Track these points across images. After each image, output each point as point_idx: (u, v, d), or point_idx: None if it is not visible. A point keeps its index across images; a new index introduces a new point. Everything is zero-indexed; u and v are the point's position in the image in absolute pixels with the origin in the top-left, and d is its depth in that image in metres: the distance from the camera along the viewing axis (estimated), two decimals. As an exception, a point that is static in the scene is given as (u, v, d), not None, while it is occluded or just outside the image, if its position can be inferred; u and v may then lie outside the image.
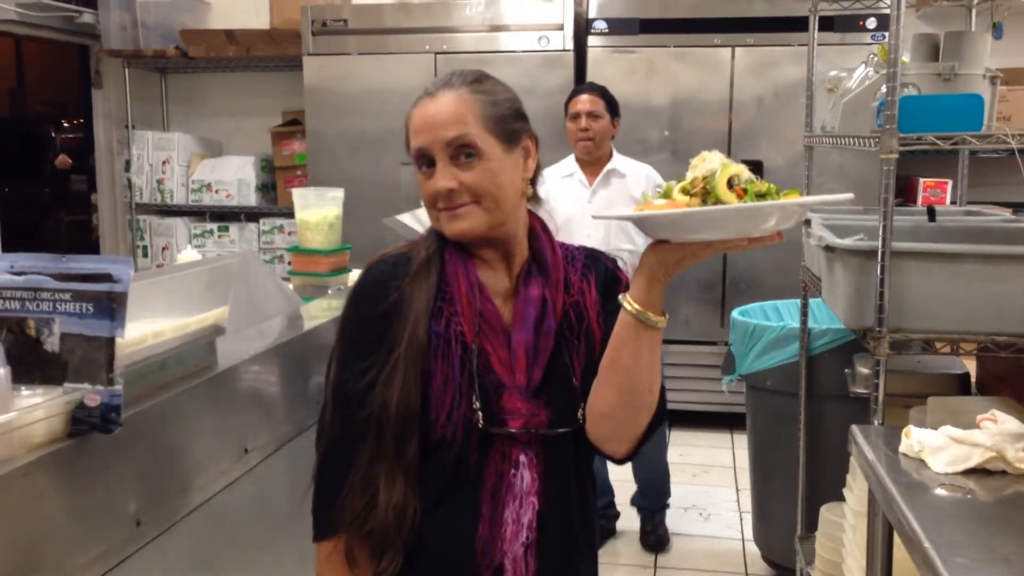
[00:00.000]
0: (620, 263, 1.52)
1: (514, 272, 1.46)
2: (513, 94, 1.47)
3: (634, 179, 3.72)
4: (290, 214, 5.42)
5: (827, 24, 4.42)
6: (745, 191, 1.21)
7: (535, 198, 1.51)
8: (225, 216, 6.02)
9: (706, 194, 1.22)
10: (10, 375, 1.44)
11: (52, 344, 1.55)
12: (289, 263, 4.33)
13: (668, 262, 1.25)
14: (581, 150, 3.70)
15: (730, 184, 1.21)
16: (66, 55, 6.49)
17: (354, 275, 3.44)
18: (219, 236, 5.93)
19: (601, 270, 1.49)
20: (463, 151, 1.37)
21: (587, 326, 1.44)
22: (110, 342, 1.55)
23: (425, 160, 1.40)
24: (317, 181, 5.17)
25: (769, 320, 3.52)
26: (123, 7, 5.72)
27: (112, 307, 1.55)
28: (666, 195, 1.27)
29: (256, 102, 6.12)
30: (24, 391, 1.48)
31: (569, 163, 3.77)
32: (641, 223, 1.26)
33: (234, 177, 5.91)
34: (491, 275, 1.46)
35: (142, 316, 1.81)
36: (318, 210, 3.33)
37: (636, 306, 1.27)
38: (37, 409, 1.43)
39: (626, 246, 3.64)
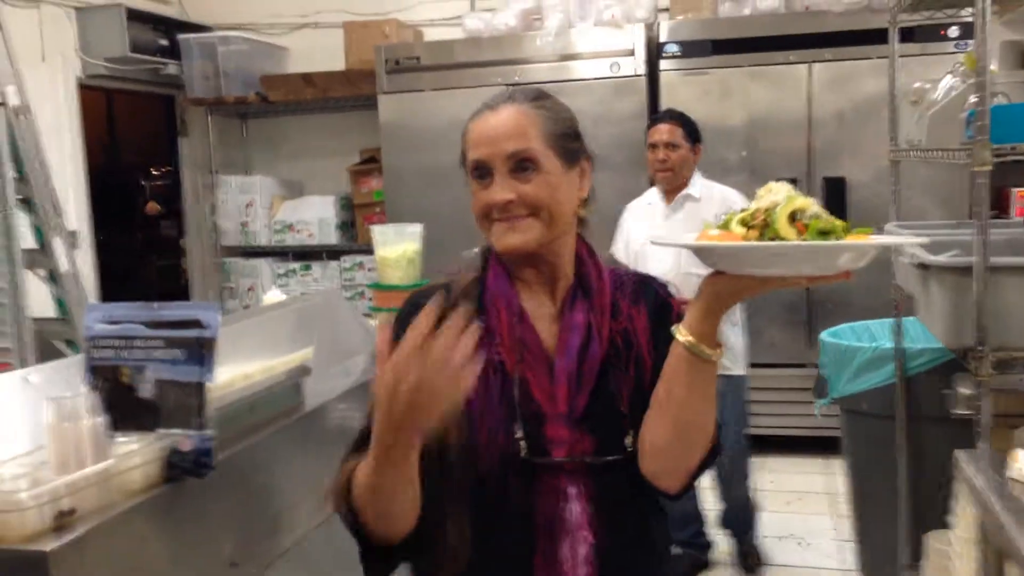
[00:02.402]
0: (671, 288, 1.48)
1: (558, 297, 1.43)
2: (572, 114, 1.45)
3: (708, 202, 3.67)
4: (370, 251, 5.47)
5: (907, 35, 4.30)
6: (807, 227, 1.16)
7: (584, 223, 1.48)
8: (307, 255, 6.13)
9: (766, 227, 1.17)
10: (106, 423, 1.47)
11: (146, 391, 1.59)
12: (370, 299, 4.38)
13: (723, 293, 1.22)
14: (661, 180, 3.70)
15: (793, 218, 1.16)
16: (153, 106, 6.72)
17: (436, 310, 3.45)
18: (302, 275, 6.03)
19: (652, 296, 1.45)
20: (523, 164, 1.35)
21: (636, 353, 1.39)
22: (201, 387, 1.58)
23: (480, 173, 1.37)
24: (395, 217, 5.23)
25: (861, 341, 3.42)
26: (205, 56, 5.90)
27: (202, 353, 1.58)
28: (725, 225, 1.22)
29: (334, 142, 6.24)
30: (120, 438, 1.51)
31: (653, 193, 3.78)
32: (697, 252, 1.22)
33: (315, 216, 6.02)
34: (534, 300, 1.43)
35: (231, 359, 1.84)
36: (397, 246, 3.36)
37: (690, 337, 1.23)
38: (134, 456, 1.46)
39: (696, 270, 3.57)
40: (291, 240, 6.07)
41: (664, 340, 1.32)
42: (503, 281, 1.42)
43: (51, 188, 4.13)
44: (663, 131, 3.62)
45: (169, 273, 7.20)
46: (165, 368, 1.58)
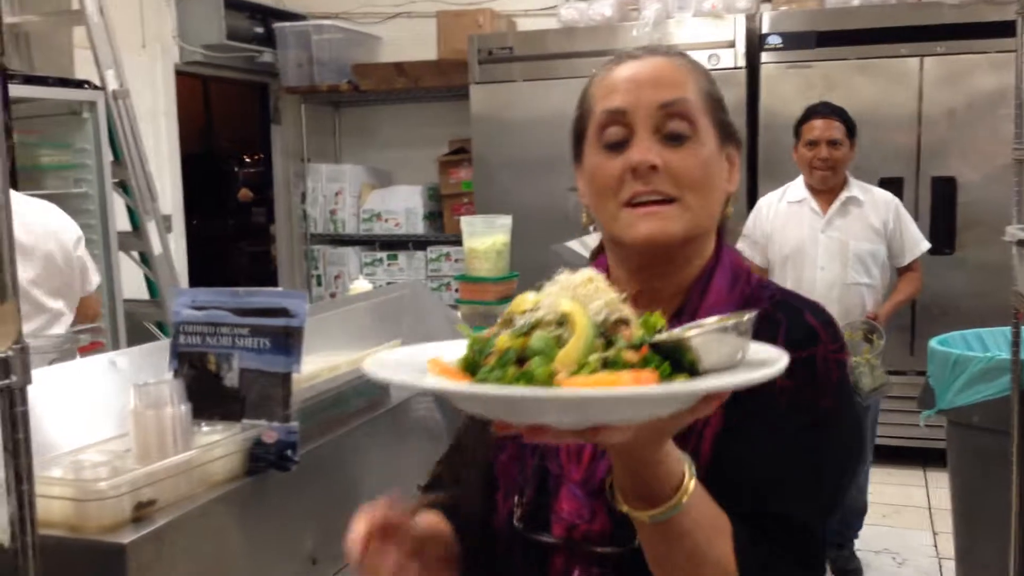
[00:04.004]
0: (825, 330, 1.04)
1: (667, 312, 1.09)
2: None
3: (873, 207, 3.45)
4: (457, 242, 5.46)
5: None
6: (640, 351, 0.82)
7: (725, 225, 1.16)
8: (394, 245, 6.13)
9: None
10: (191, 411, 1.43)
11: (231, 379, 1.55)
12: (456, 291, 4.33)
13: (618, 446, 0.84)
14: (818, 180, 3.43)
15: (606, 339, 0.82)
16: (247, 93, 6.80)
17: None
18: (388, 264, 6.03)
19: (776, 338, 0.97)
20: (675, 125, 1.04)
21: (700, 424, 0.98)
22: (287, 378, 1.53)
23: (614, 133, 1.05)
24: (484, 208, 5.17)
25: (972, 350, 3.23)
26: (300, 45, 5.93)
27: (289, 342, 1.53)
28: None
29: (424, 132, 6.22)
30: (204, 427, 1.47)
31: (798, 188, 3.52)
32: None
33: (403, 206, 6.01)
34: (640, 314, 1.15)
35: (317, 349, 1.79)
36: (486, 237, 3.30)
37: (622, 503, 0.89)
38: (217, 447, 1.41)
39: (864, 279, 3.42)
40: (379, 229, 6.07)
41: (750, 413, 0.95)
42: None
43: (147, 172, 4.19)
44: (823, 127, 3.38)
45: (258, 259, 7.29)
46: (251, 357, 1.53)
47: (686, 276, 1.09)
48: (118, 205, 4.18)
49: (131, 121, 4.13)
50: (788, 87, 4.78)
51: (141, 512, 1.25)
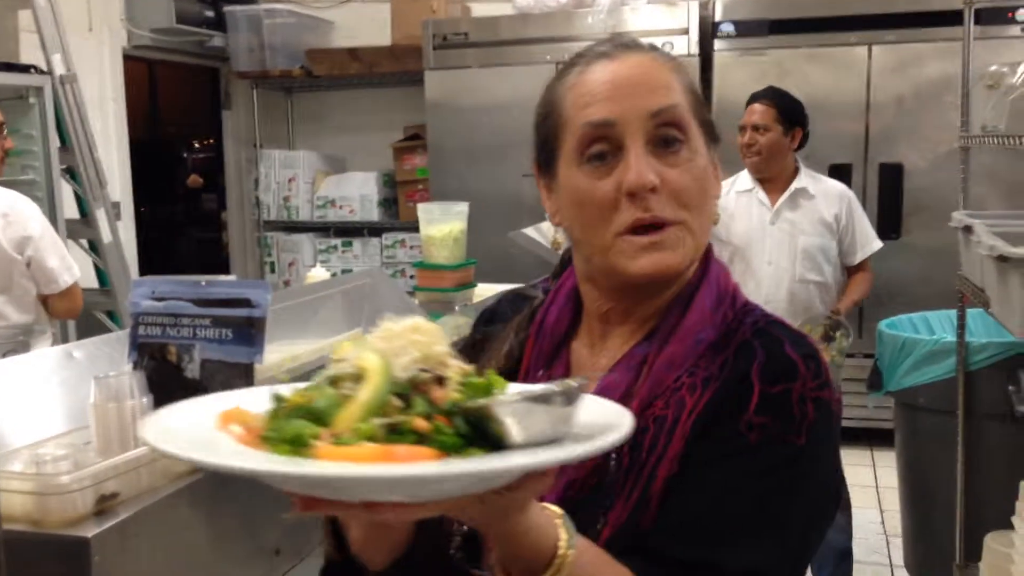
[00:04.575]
0: (805, 365, 0.92)
1: (637, 335, 0.99)
2: None
3: (824, 200, 3.26)
4: (412, 228, 5.44)
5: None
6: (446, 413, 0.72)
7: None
8: (349, 231, 6.09)
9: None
10: (152, 403, 1.42)
11: (192, 370, 1.54)
12: (412, 277, 4.33)
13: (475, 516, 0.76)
14: (749, 167, 3.28)
15: (404, 398, 0.72)
16: (196, 78, 6.69)
17: (480, 290, 3.39)
18: (343, 251, 5.99)
19: (750, 369, 0.91)
20: (669, 134, 0.93)
21: (655, 460, 0.90)
22: (249, 368, 1.52)
23: (600, 147, 0.93)
24: (439, 195, 5.17)
25: (919, 333, 3.31)
26: (251, 29, 5.85)
27: (251, 332, 1.52)
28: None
29: (378, 118, 6.18)
30: (166, 419, 1.46)
31: (746, 177, 3.33)
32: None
33: (357, 193, 5.97)
34: (604, 345, 1.01)
35: (278, 339, 1.78)
36: (443, 225, 3.30)
37: (499, 573, 0.81)
38: (179, 438, 1.40)
39: (813, 276, 3.25)
40: (333, 216, 6.03)
41: (707, 461, 0.89)
42: (565, 314, 1.04)
43: (96, 159, 4.12)
44: (753, 111, 3.24)
45: (209, 246, 7.19)
46: (213, 347, 1.52)
47: (666, 295, 0.98)
48: (66, 192, 4.11)
49: (79, 106, 4.05)
50: (741, 75, 4.83)
51: (104, 505, 1.24)
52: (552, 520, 0.79)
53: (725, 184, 3.33)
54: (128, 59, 5.51)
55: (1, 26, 4.37)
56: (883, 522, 4.06)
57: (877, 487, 4.43)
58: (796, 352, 0.93)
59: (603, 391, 0.93)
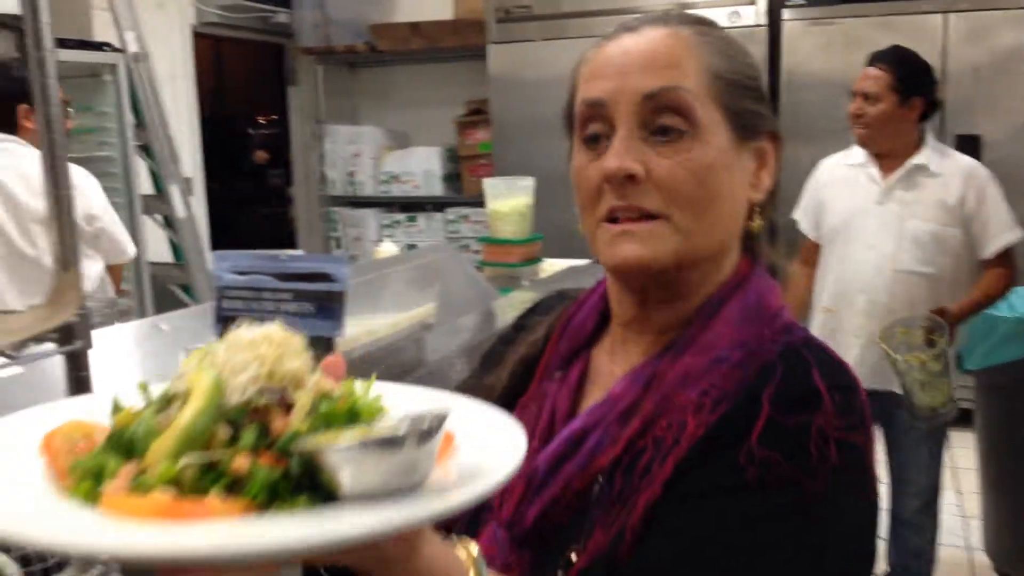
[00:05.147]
0: (831, 397, 0.79)
1: (656, 346, 0.89)
2: (755, 62, 0.93)
3: (951, 180, 2.76)
4: (475, 203, 5.46)
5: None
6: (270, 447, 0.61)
7: (756, 241, 0.93)
8: (412, 206, 6.13)
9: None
10: (238, 375, 1.45)
11: (275, 343, 1.56)
12: (476, 252, 4.34)
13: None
14: (857, 139, 2.87)
15: (238, 430, 0.62)
16: (261, 54, 6.77)
17: (546, 265, 3.40)
18: (407, 226, 6.04)
19: (761, 395, 0.79)
20: (666, 118, 0.83)
21: (637, 484, 0.80)
22: (330, 342, 1.54)
23: (595, 127, 0.86)
24: (502, 170, 5.17)
25: (1000, 311, 3.22)
26: (315, 5, 5.90)
27: (332, 306, 1.54)
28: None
29: (441, 92, 6.19)
30: (251, 391, 1.49)
31: (860, 151, 2.91)
32: None
33: (420, 168, 6.00)
34: (625, 352, 0.92)
35: (354, 313, 1.81)
36: (509, 199, 3.31)
37: None
38: (264, 409, 1.43)
39: (920, 268, 2.78)
40: (397, 191, 6.07)
41: (698, 486, 0.78)
42: (591, 317, 0.97)
43: (168, 135, 4.19)
44: (864, 76, 2.83)
45: (276, 222, 7.30)
46: (294, 321, 1.54)
47: (688, 305, 0.88)
48: (141, 168, 4.20)
49: (152, 83, 4.13)
50: (810, 45, 4.73)
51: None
52: (459, 562, 0.69)
53: (838, 156, 3.02)
54: (196, 36, 5.60)
55: (75, 4, 4.46)
56: (962, 504, 3.99)
57: (955, 468, 4.35)
58: (824, 380, 0.79)
59: (606, 403, 0.85)
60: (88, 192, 2.92)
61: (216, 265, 1.60)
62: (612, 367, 0.92)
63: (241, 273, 1.59)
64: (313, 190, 6.53)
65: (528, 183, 3.31)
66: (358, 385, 0.70)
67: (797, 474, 0.75)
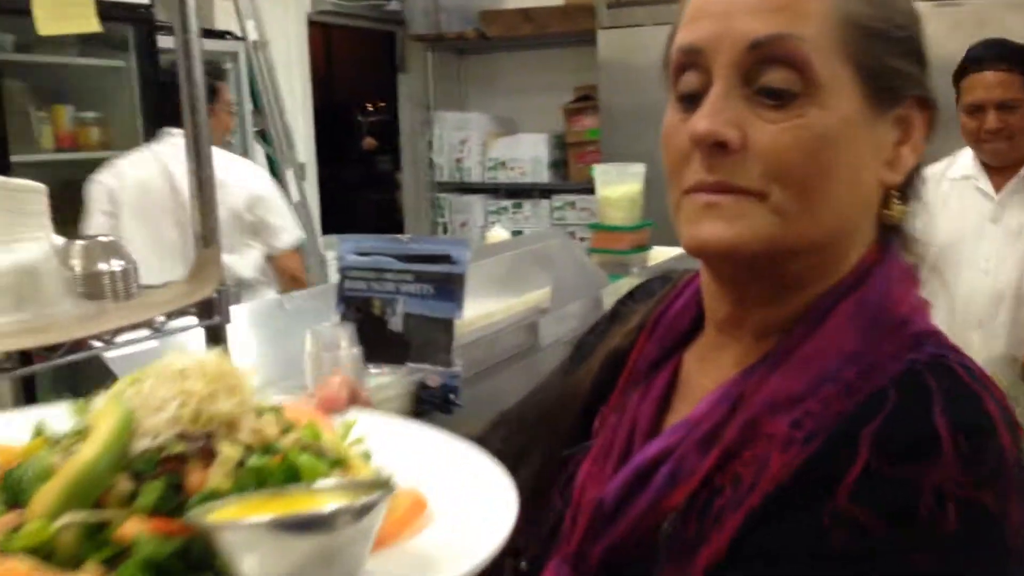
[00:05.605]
0: (954, 443, 0.61)
1: (752, 355, 0.74)
2: (913, 12, 0.76)
3: None
4: (582, 190, 5.45)
5: None
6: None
7: (898, 235, 0.76)
8: (518, 193, 6.15)
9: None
10: (362, 353, 1.48)
11: (396, 324, 1.59)
12: (583, 239, 4.33)
13: None
14: (990, 156, 2.51)
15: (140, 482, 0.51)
16: (371, 42, 6.88)
17: (656, 253, 3.37)
18: (513, 213, 6.06)
19: (870, 427, 0.63)
20: (774, 74, 0.68)
21: (707, 534, 0.67)
22: (449, 324, 1.57)
23: (688, 82, 0.72)
24: (610, 156, 5.13)
25: None
26: (427, -8, 5.97)
27: (452, 288, 1.57)
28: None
29: (548, 78, 6.18)
30: (372, 369, 1.53)
31: (966, 160, 2.59)
32: None
33: (527, 154, 6.02)
34: (724, 355, 0.77)
35: (470, 296, 1.83)
36: (619, 186, 3.30)
37: None
38: (388, 388, 1.47)
39: None
40: (503, 177, 6.10)
41: (768, 546, 0.63)
42: (688, 312, 0.82)
43: (284, 121, 4.31)
44: (991, 83, 2.44)
45: (385, 207, 7.43)
46: (415, 302, 1.57)
47: (792, 306, 0.72)
48: (258, 154, 4.32)
49: (270, 71, 4.25)
50: (933, 27, 4.48)
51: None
52: None
53: (940, 165, 2.63)
54: (310, 24, 5.72)
55: (199, -5, 4.60)
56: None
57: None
58: (948, 418, 0.61)
59: (685, 426, 0.71)
60: (249, 182, 3.07)
61: (340, 247, 1.64)
62: (702, 378, 0.77)
63: (363, 254, 1.62)
64: (421, 176, 6.62)
65: (639, 169, 3.29)
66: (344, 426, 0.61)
67: (899, 543, 0.58)
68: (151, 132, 3.24)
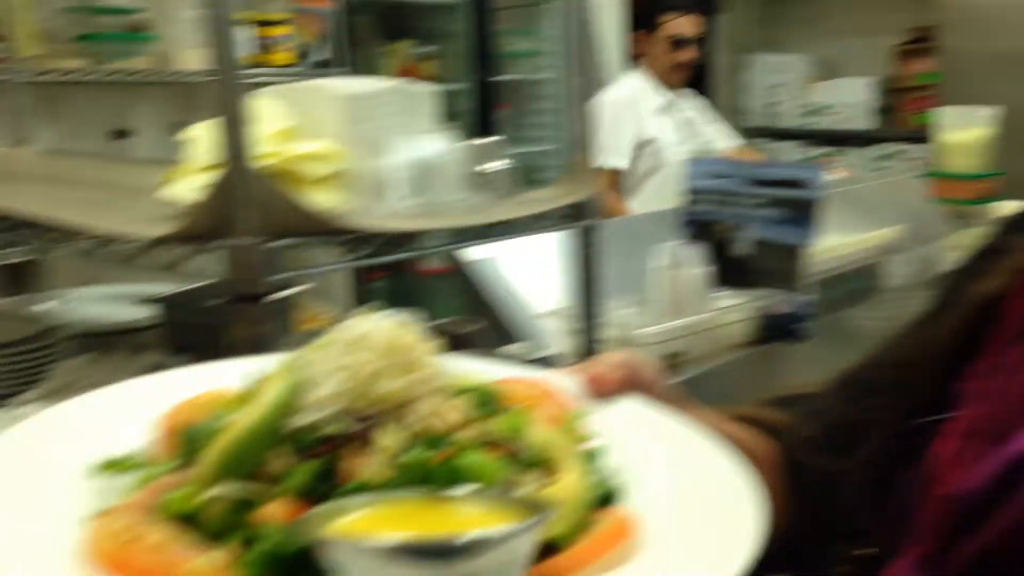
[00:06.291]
0: None
1: None
2: None
3: None
4: (911, 138, 5.06)
5: None
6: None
7: None
8: (835, 140, 5.83)
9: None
10: (708, 276, 1.47)
11: (742, 248, 1.56)
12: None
13: None
14: None
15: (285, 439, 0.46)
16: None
17: (1005, 205, 3.07)
18: (828, 160, 5.78)
19: None
20: None
21: None
22: (799, 250, 1.51)
23: None
24: (952, 102, 4.72)
25: None
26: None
27: (804, 214, 1.51)
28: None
29: (878, 19, 5.77)
30: (719, 292, 1.51)
31: None
32: None
33: (848, 99, 5.69)
34: None
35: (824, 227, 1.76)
36: (963, 130, 3.05)
37: None
38: (733, 311, 1.45)
39: None
40: (821, 123, 5.81)
41: None
42: None
43: (597, 62, 4.35)
44: None
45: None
46: (765, 227, 1.53)
47: None
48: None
49: (585, 11, 4.29)
50: None
51: (672, 361, 1.32)
52: None
53: None
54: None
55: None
56: None
57: None
58: None
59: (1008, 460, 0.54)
60: None
61: (692, 169, 1.63)
62: None
63: (716, 177, 1.60)
64: (731, 120, 6.45)
65: (989, 113, 3.01)
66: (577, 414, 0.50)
67: None
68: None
